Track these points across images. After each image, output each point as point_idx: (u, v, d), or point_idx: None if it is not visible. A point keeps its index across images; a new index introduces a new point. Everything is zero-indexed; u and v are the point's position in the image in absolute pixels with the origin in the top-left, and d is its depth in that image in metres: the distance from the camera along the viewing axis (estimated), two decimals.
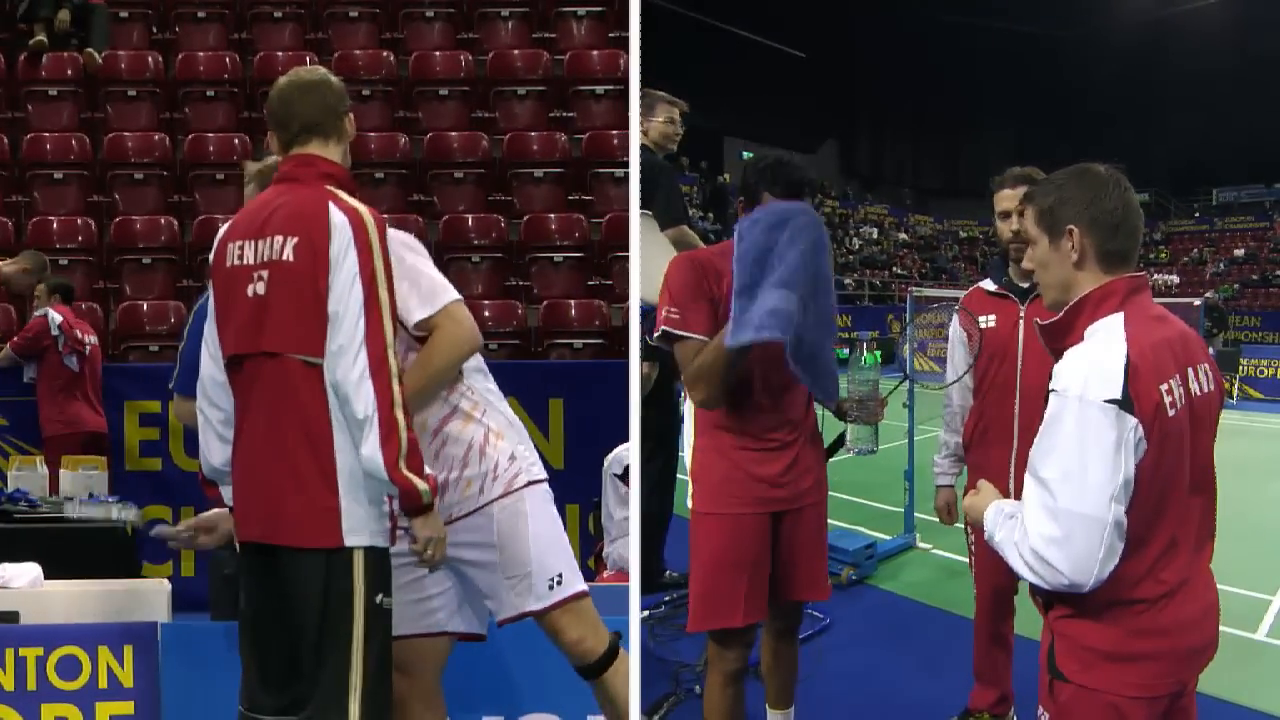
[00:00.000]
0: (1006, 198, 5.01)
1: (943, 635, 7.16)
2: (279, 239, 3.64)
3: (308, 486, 3.60)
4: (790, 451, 4.48)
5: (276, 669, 3.71)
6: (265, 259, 3.66)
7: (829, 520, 4.71)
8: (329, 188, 3.68)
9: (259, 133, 10.17)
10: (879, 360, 4.56)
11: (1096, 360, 2.95)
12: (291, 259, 3.62)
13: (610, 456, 6.07)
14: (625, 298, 9.64)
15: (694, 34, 44.02)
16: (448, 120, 11.30)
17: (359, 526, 3.62)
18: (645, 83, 6.69)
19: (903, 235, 55.61)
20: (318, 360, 3.58)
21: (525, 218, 10.54)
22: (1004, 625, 5.32)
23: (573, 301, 10.12)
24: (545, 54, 11.52)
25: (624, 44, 11.34)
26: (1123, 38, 53.37)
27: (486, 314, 9.75)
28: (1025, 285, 5.00)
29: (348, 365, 3.55)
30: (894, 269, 49.46)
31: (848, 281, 41.94)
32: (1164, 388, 2.95)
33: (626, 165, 10.27)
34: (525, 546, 3.93)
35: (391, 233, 3.77)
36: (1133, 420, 2.88)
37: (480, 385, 4.02)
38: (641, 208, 6.11)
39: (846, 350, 4.82)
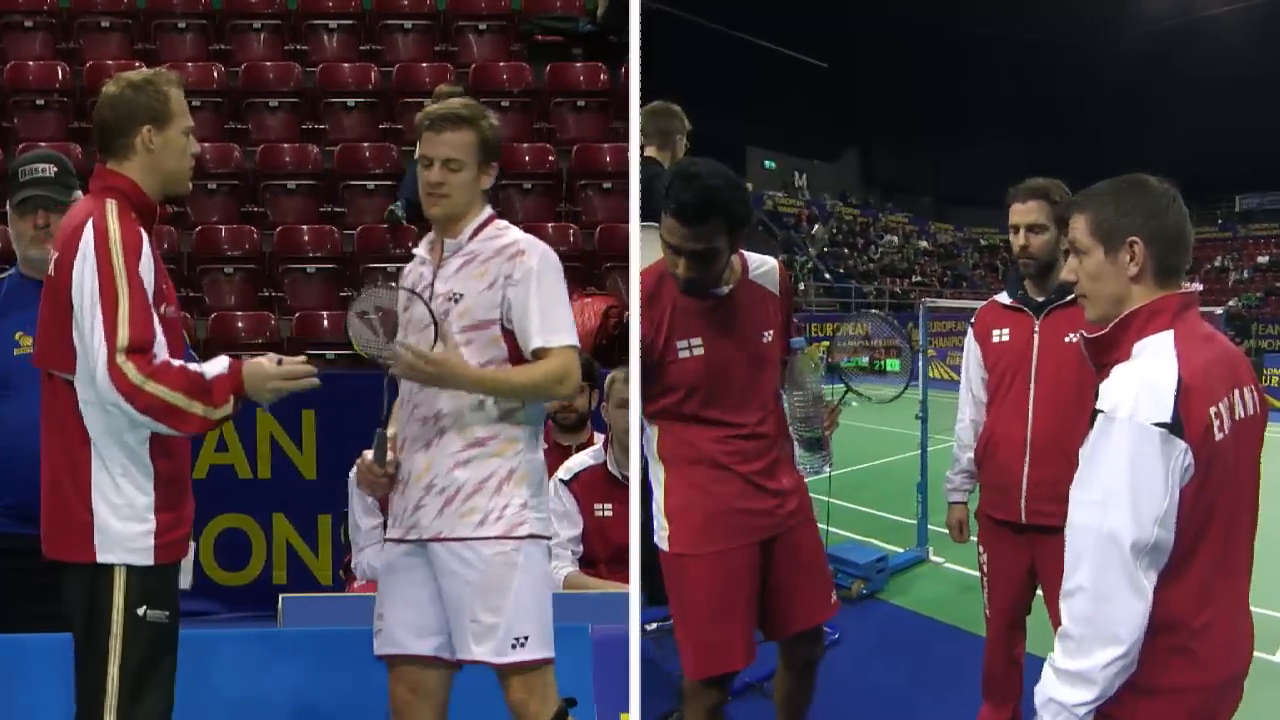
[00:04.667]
0: (1018, 211, 4.97)
1: (954, 652, 7.16)
2: (53, 253, 3.85)
3: (67, 503, 3.78)
4: (769, 475, 4.44)
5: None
6: (49, 272, 3.86)
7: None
8: (107, 200, 3.80)
9: (90, 142, 9.76)
10: (822, 369, 4.60)
11: (1147, 380, 2.93)
12: (53, 274, 3.80)
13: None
14: None
15: (717, 45, 45.04)
16: (279, 131, 11.77)
17: (113, 544, 3.75)
18: (658, 95, 6.95)
19: (923, 243, 57.48)
20: (71, 377, 3.75)
21: (279, 229, 10.96)
22: (1016, 646, 5.30)
23: (325, 312, 10.35)
24: (373, 67, 12.00)
25: (450, 56, 12.21)
26: (1144, 43, 54.85)
27: (240, 324, 10.20)
28: (1040, 299, 5.01)
29: (96, 380, 3.66)
30: (914, 277, 50.84)
31: (867, 290, 42.99)
32: (1213, 411, 2.95)
33: (380, 178, 11.23)
34: (505, 598, 3.97)
35: (548, 253, 4.08)
36: (1182, 444, 2.87)
37: (529, 427, 4.11)
38: (648, 219, 6.37)
39: (865, 358, 5.16)
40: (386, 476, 4.14)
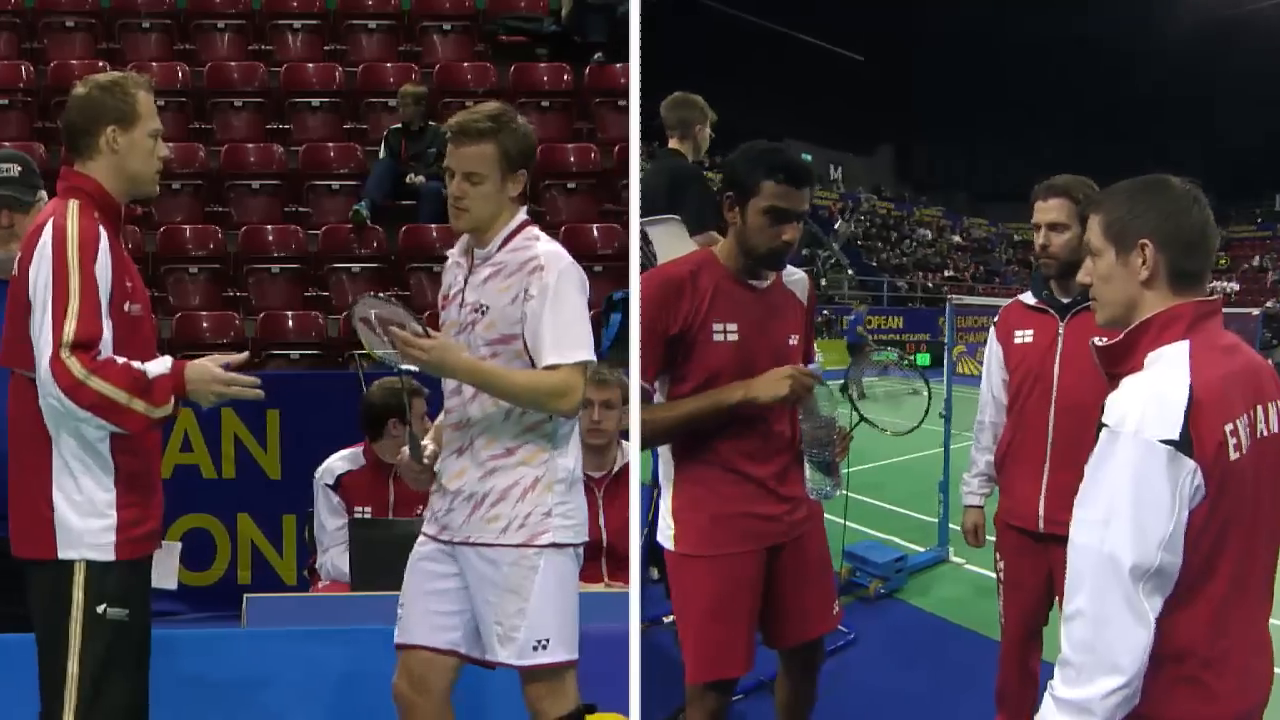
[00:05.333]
0: (1040, 209, 4.81)
1: (970, 657, 6.92)
2: (19, 253, 3.92)
3: (30, 500, 3.83)
4: (781, 481, 4.37)
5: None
6: (14, 272, 3.93)
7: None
8: (70, 200, 3.86)
9: (54, 142, 10.07)
10: (836, 396, 4.37)
11: (1156, 393, 2.74)
12: (16, 273, 3.88)
13: (321, 467, 6.08)
14: (341, 309, 10.25)
15: (754, 38, 45.05)
16: (244, 131, 11.74)
17: (74, 540, 3.80)
18: (678, 90, 7.05)
19: (957, 238, 57.62)
20: (34, 375, 3.78)
21: (243, 229, 10.86)
22: (1032, 658, 5.15)
23: (290, 312, 10.37)
24: (337, 66, 12.00)
25: (414, 56, 12.20)
26: (1183, 40, 53.66)
27: (204, 324, 10.19)
28: (1066, 300, 4.85)
29: (39, 375, 3.73)
30: (946, 272, 51.01)
31: (900, 284, 43.09)
32: (1229, 428, 2.76)
33: (344, 178, 11.23)
34: (525, 602, 4.04)
35: (569, 268, 4.04)
36: (1191, 464, 2.69)
37: (558, 436, 4.14)
38: (672, 212, 6.49)
39: (894, 351, 5.03)
40: (426, 472, 4.21)
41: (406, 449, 4.24)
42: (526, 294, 4.03)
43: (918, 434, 4.57)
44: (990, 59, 55.43)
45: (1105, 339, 2.97)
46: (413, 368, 4.07)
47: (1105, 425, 2.74)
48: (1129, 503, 2.67)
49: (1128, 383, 2.79)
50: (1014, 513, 4.94)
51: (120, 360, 3.75)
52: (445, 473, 4.15)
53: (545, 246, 4.12)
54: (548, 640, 4.04)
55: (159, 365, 3.83)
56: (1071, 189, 4.72)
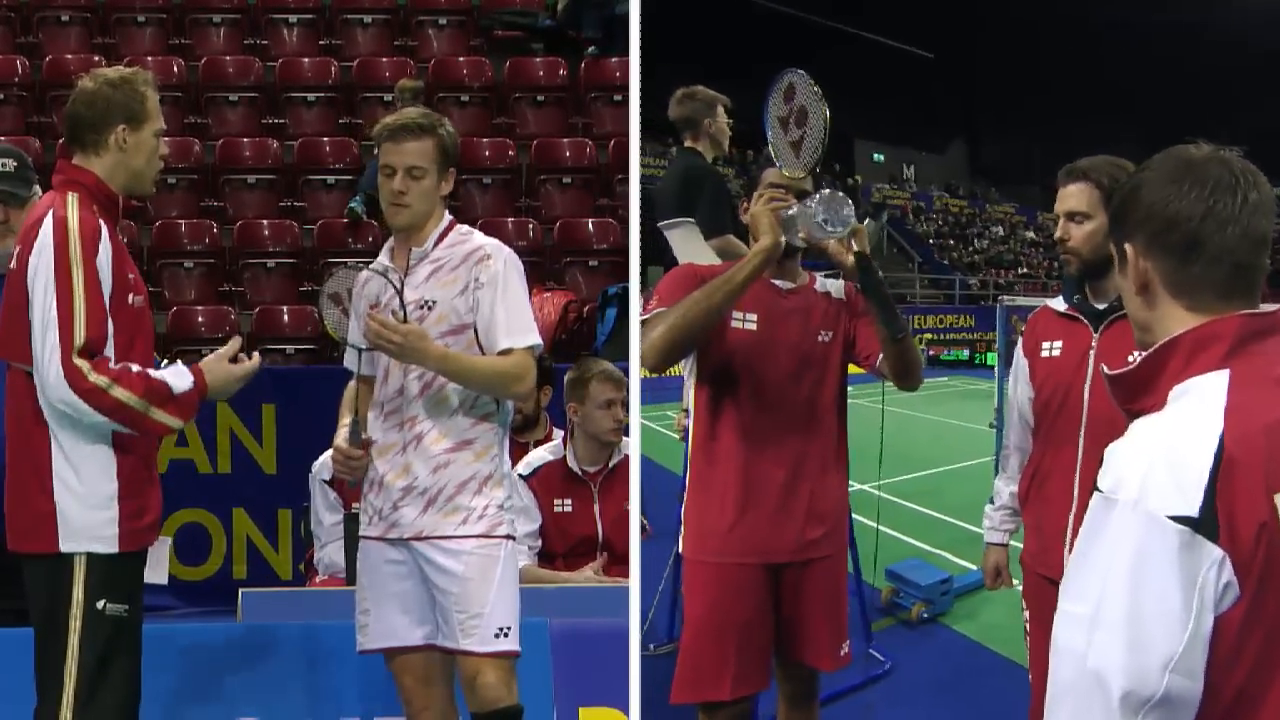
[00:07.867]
0: (1060, 197, 4.14)
1: (1015, 692, 6.07)
2: (16, 246, 3.92)
3: (28, 494, 3.81)
4: (796, 493, 4.14)
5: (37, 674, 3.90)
6: (11, 266, 3.92)
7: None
8: (69, 194, 3.85)
9: (49, 136, 10.07)
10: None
11: (1170, 447, 1.93)
12: (15, 267, 3.85)
13: (317, 462, 6.01)
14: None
15: (823, 37, 44.97)
16: (239, 126, 11.80)
17: (77, 533, 3.78)
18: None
19: (1030, 234, 56.87)
20: (31, 368, 3.77)
21: (238, 224, 10.89)
22: None
23: (285, 307, 10.41)
24: (333, 61, 11.91)
25: (409, 51, 12.21)
26: (1260, 19, 50.83)
27: (200, 319, 10.24)
28: (1101, 306, 4.06)
29: (41, 372, 3.71)
30: (1019, 269, 50.52)
31: (972, 282, 42.85)
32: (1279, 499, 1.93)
33: (340, 172, 11.23)
34: (488, 590, 4.11)
35: (511, 256, 4.22)
36: (1216, 552, 1.85)
37: (502, 430, 4.27)
38: (685, 215, 6.42)
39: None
40: (365, 460, 4.20)
41: (345, 434, 4.20)
42: (476, 282, 4.15)
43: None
44: (1061, 52, 54.47)
45: (1139, 356, 2.19)
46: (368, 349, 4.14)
47: (1098, 490, 1.97)
48: (1123, 603, 1.88)
49: (1135, 429, 2.01)
50: (1038, 557, 4.17)
51: (136, 369, 3.76)
52: (388, 471, 4.17)
53: (485, 238, 4.29)
54: (509, 629, 4.11)
55: (179, 378, 3.84)
56: (1094, 171, 4.03)
